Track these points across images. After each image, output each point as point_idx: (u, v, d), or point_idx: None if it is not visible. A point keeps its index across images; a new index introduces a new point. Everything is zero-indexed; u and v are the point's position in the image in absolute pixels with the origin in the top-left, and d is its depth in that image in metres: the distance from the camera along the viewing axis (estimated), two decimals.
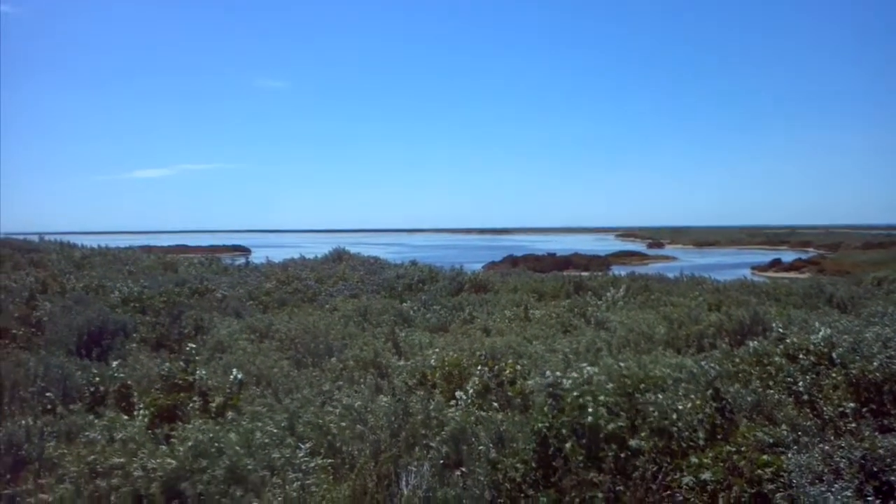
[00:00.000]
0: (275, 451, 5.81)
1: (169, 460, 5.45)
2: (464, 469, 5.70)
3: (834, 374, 6.82)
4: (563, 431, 5.61)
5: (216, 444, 5.67)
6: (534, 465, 5.51)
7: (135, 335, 11.77)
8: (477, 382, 7.34)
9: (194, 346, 9.25)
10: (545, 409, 6.00)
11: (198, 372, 7.80)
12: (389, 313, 14.86)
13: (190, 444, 5.62)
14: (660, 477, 5.22)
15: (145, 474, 5.38)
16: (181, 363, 8.04)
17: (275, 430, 6.29)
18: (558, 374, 6.61)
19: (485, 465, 5.61)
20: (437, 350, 9.70)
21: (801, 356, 7.37)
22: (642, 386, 6.27)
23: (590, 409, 5.62)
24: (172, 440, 5.91)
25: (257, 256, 41.36)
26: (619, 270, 31.28)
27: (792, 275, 48.73)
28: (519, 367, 7.86)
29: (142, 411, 6.92)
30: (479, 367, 7.69)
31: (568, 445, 5.38)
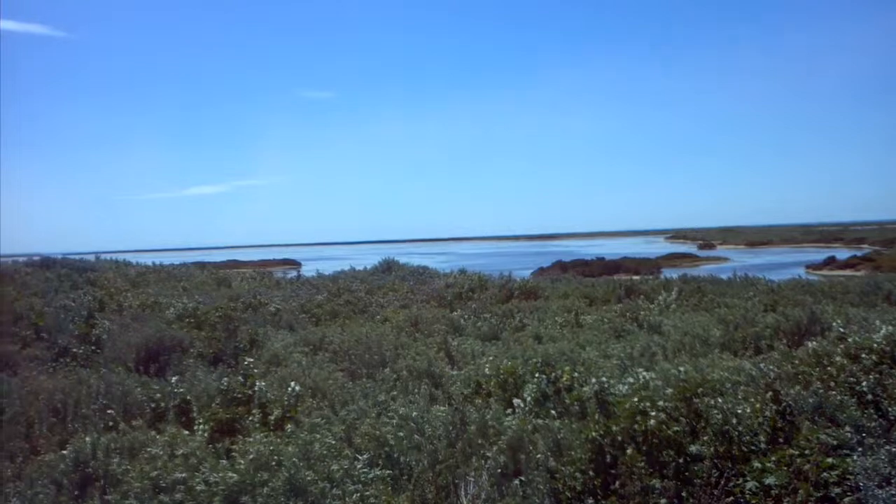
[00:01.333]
0: (333, 463, 5.86)
1: (230, 474, 5.51)
2: (522, 478, 5.69)
3: None
4: (619, 438, 5.57)
5: (276, 457, 5.73)
6: (592, 473, 5.47)
7: (191, 350, 11.93)
8: (535, 390, 7.32)
9: (252, 360, 9.35)
10: (596, 416, 5.97)
11: (257, 385, 7.89)
12: (440, 322, 14.88)
13: (250, 457, 5.69)
14: (722, 482, 5.16)
15: (207, 488, 5.46)
16: (239, 377, 8.13)
17: (333, 442, 6.34)
18: (604, 380, 6.58)
19: (543, 474, 5.59)
20: (490, 358, 9.68)
21: (863, 356, 7.21)
22: (700, 390, 6.19)
23: (653, 414, 5.57)
24: (233, 454, 5.99)
25: (307, 269, 41.78)
26: (671, 273, 30.96)
27: (847, 272, 47.77)
28: (576, 374, 7.81)
29: (202, 426, 7.02)
30: (536, 375, 7.67)
31: (629, 452, 5.34)
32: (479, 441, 6.34)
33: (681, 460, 5.35)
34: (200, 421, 7.22)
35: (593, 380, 6.64)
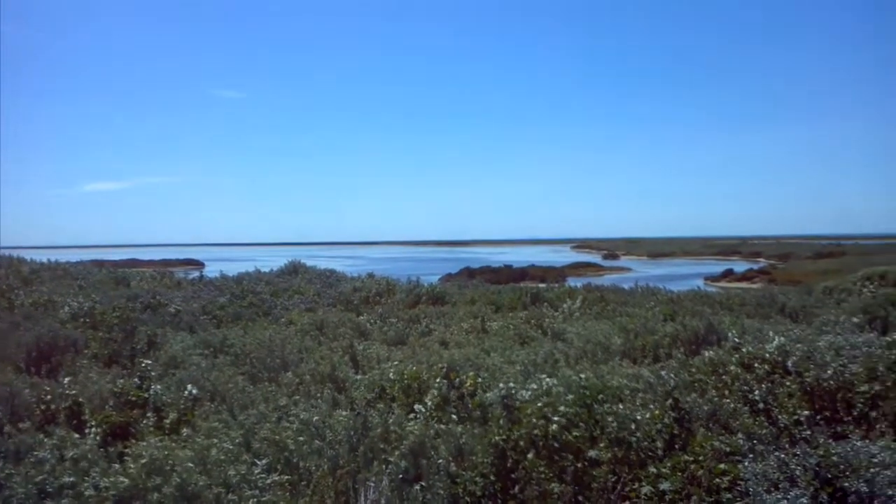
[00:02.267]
0: (230, 468, 5.72)
1: (121, 479, 5.33)
2: (423, 483, 5.66)
3: (788, 383, 6.91)
4: (521, 443, 5.60)
5: (170, 462, 5.56)
6: (493, 477, 5.49)
7: (86, 351, 11.53)
8: (436, 395, 7.31)
9: (150, 362, 9.08)
10: (501, 421, 6.00)
11: (153, 388, 7.66)
12: (346, 326, 14.77)
13: (143, 461, 5.51)
14: (619, 487, 5.23)
15: (97, 493, 5.27)
16: (135, 380, 7.88)
17: (230, 447, 6.18)
18: (512, 385, 6.61)
19: (444, 479, 5.58)
20: (395, 363, 9.63)
21: (756, 365, 7.45)
22: (601, 397, 6.29)
23: (556, 419, 5.63)
24: (126, 458, 5.79)
25: (211, 270, 40.83)
26: (575, 282, 31.48)
27: (744, 285, 49.60)
28: (480, 380, 7.84)
29: (94, 429, 6.77)
30: (437, 380, 7.66)
31: (529, 456, 5.38)
32: (381, 446, 6.29)
33: (579, 465, 5.41)
34: (92, 424, 6.96)
35: (501, 385, 6.66)
